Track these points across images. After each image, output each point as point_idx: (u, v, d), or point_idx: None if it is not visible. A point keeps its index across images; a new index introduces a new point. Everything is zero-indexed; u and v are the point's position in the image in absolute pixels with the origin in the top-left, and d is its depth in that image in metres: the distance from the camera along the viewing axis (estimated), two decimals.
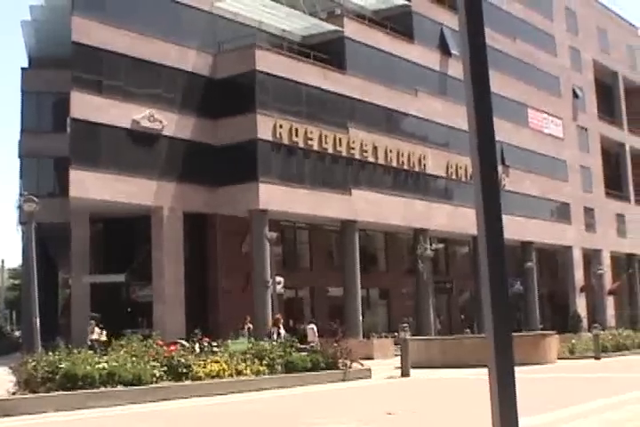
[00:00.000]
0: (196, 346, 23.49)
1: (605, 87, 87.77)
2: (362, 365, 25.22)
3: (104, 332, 35.10)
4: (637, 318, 78.52)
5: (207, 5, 49.17)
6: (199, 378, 20.20)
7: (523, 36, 72.11)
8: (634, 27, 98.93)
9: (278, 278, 43.71)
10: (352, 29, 54.53)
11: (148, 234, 45.33)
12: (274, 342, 27.77)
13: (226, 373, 20.94)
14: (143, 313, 45.79)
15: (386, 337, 48.31)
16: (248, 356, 22.36)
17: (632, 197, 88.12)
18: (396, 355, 32.27)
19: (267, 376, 21.86)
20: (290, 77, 49.26)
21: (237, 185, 46.48)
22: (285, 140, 48.20)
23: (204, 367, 20.55)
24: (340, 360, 23.99)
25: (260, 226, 46.15)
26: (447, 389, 21.06)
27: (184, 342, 25.91)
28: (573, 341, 37.56)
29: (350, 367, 24.11)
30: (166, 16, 46.87)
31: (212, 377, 20.52)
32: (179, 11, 47.51)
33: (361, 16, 57.48)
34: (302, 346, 25.82)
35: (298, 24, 53.53)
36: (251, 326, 40.83)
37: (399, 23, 58.94)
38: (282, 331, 29.47)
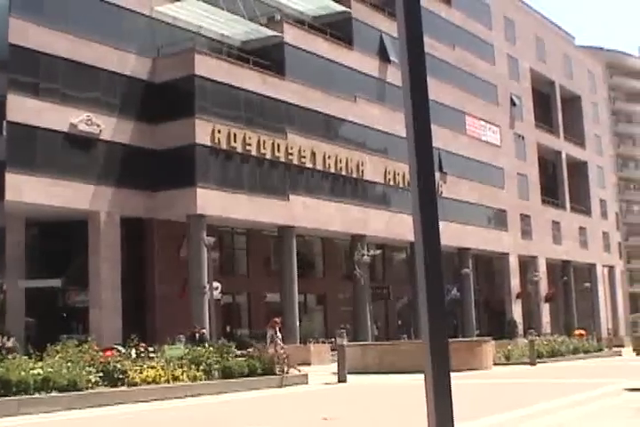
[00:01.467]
0: (133, 352, 23.32)
1: (542, 96, 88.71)
2: (299, 370, 25.26)
3: (11, 338, 34.53)
4: (572, 324, 79.40)
5: (147, 9, 48.90)
6: (135, 384, 20.07)
7: (462, 44, 72.64)
8: (570, 36, 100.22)
9: (215, 284, 43.55)
10: (292, 35, 54.56)
11: (85, 239, 44.88)
12: (279, 345, 28.04)
13: (162, 378, 20.83)
14: (79, 318, 45.34)
15: (323, 343, 48.40)
16: (185, 361, 22.27)
17: (567, 205, 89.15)
18: (333, 361, 32.32)
19: (203, 382, 21.78)
20: (229, 82, 49.15)
21: (175, 190, 46.25)
22: (224, 146, 48.06)
23: (140, 373, 20.42)
24: (277, 366, 23.98)
25: (197, 231, 45.96)
26: (383, 394, 21.12)
27: (120, 348, 25.73)
28: (509, 347, 37.91)
29: (287, 373, 24.11)
30: (106, 19, 46.49)
31: (149, 383, 20.40)
32: (118, 14, 47.16)
33: (301, 22, 57.53)
34: (240, 351, 25.76)
35: (237, 29, 53.42)
36: (204, 331, 40.68)
37: (339, 29, 59.10)
38: (279, 334, 29.26)
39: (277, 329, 29.35)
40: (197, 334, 39.76)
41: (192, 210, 45.94)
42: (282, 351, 28.18)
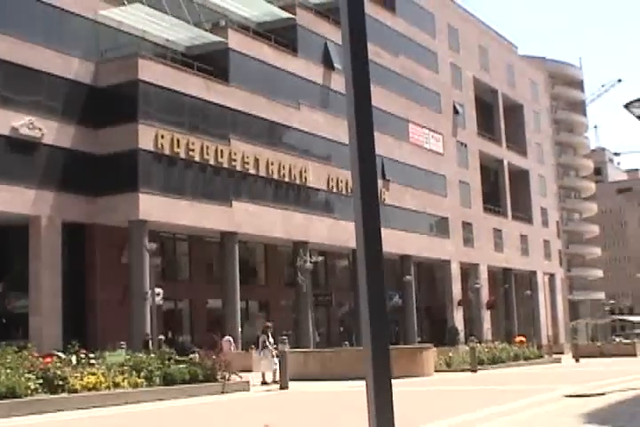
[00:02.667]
0: (73, 358, 23.10)
1: (485, 104, 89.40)
2: (240, 377, 25.17)
3: None
4: (513, 331, 79.98)
5: (91, 13, 48.55)
6: (76, 390, 19.89)
7: (406, 53, 72.99)
8: (513, 46, 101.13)
9: (157, 290, 43.34)
10: (236, 41, 54.49)
11: (26, 244, 44.43)
12: (263, 351, 27.88)
13: (103, 385, 20.67)
14: (19, 324, 44.82)
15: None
16: (126, 368, 22.11)
17: (509, 213, 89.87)
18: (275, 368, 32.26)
19: (145, 389, 21.65)
20: (173, 88, 48.96)
21: (118, 195, 45.96)
22: (167, 151, 47.86)
23: (80, 380, 20.25)
24: (219, 373, 23.89)
25: (139, 237, 45.72)
26: (325, 401, 21.13)
27: (60, 354, 25.48)
28: (450, 354, 38.08)
29: (229, 380, 24.03)
30: (49, 22, 46.12)
31: (89, 389, 20.23)
32: (62, 17, 46.79)
33: (245, 28, 57.48)
34: (182, 358, 25.62)
35: (182, 34, 53.27)
36: (162, 337, 40.52)
37: (283, 36, 59.14)
38: (271, 339, 29.11)
39: (269, 334, 29.21)
40: (150, 341, 39.63)
41: (134, 215, 45.68)
42: (275, 356, 28.24)
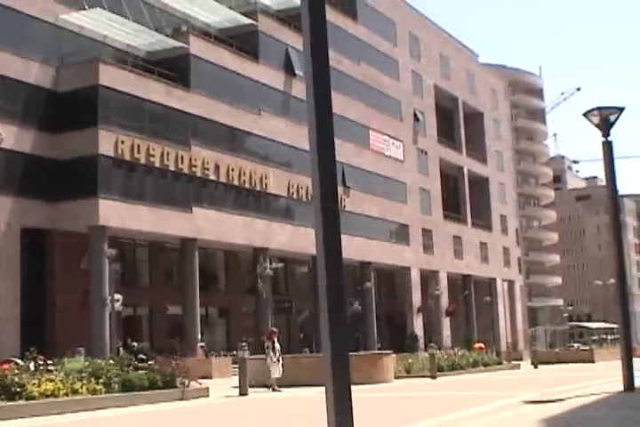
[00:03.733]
0: (31, 364, 22.91)
1: (446, 112, 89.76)
2: (200, 384, 25.05)
3: None
4: (472, 337, 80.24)
5: (52, 17, 48.30)
6: (33, 397, 19.72)
7: (367, 60, 73.17)
8: (474, 54, 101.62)
9: (117, 296, 43.15)
10: (197, 47, 54.41)
11: None
12: (270, 356, 27.55)
13: (61, 392, 20.50)
14: None
15: (225, 356, 48.19)
16: (84, 374, 21.96)
17: (469, 220, 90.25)
18: (235, 374, 32.18)
19: (103, 395, 21.50)
20: (133, 93, 48.81)
21: (77, 200, 45.71)
22: (127, 157, 47.68)
23: (38, 386, 20.07)
24: (178, 379, 23.78)
25: (99, 242, 45.51)
26: (284, 408, 21.09)
27: (18, 361, 25.26)
28: (410, 360, 38.16)
29: (188, 386, 23.92)
30: (8, 26, 45.80)
31: (47, 396, 20.06)
32: (22, 21, 46.49)
33: (207, 34, 57.43)
34: (141, 364, 25.48)
35: (143, 39, 53.11)
36: (146, 344, 40.44)
37: (245, 42, 59.12)
38: (277, 345, 28.82)
39: (275, 339, 29.02)
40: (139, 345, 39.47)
41: (94, 221, 45.46)
42: (280, 362, 28.07)
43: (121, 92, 48.07)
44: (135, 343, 43.65)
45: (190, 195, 51.91)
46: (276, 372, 27.95)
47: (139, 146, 48.33)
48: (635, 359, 20.31)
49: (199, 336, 51.06)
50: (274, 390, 27.31)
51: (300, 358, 37.53)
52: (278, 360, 28.12)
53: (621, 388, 19.30)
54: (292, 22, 62.23)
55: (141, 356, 29.92)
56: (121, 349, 40.33)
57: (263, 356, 28.68)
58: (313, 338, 62.59)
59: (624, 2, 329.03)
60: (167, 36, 54.32)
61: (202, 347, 43.58)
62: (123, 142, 47.38)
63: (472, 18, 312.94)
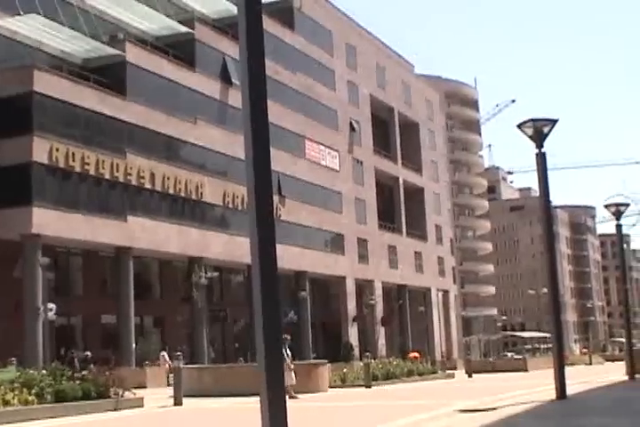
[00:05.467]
0: None
1: (381, 122, 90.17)
2: (134, 394, 24.86)
3: None
4: (407, 347, 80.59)
5: None
6: None
7: (303, 69, 73.25)
8: (410, 65, 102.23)
9: (50, 305, 42.70)
10: (134, 54, 54.13)
11: None
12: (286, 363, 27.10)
13: None
14: None
15: (159, 365, 47.89)
16: (16, 385, 21.67)
17: (404, 230, 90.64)
18: (170, 384, 32.02)
19: (35, 406, 21.24)
20: (69, 100, 48.40)
21: (10, 208, 45.13)
22: (62, 164, 47.26)
23: None
24: (112, 389, 23.58)
25: (32, 251, 45.01)
26: (219, 417, 21.02)
27: None
28: (345, 370, 38.20)
29: (122, 396, 23.72)
30: None
31: None
32: None
33: (144, 41, 57.17)
34: (75, 374, 25.22)
35: (79, 46, 52.69)
36: (89, 353, 39.96)
37: (182, 50, 58.94)
38: (288, 351, 28.38)
39: (286, 346, 28.69)
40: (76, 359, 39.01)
41: (27, 229, 44.97)
42: (291, 369, 27.66)
43: (56, 99, 47.64)
44: (75, 353, 43.30)
45: (125, 203, 51.59)
46: (290, 378, 27.39)
47: (74, 154, 47.92)
48: (567, 368, 20.52)
49: (134, 345, 50.71)
50: (291, 396, 26.69)
51: (236, 367, 37.45)
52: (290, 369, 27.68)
53: (554, 396, 19.50)
54: (229, 31, 62.15)
55: (81, 365, 29.52)
56: (74, 360, 39.91)
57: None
58: (248, 347, 62.40)
59: (559, 14, 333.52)
60: (103, 43, 53.97)
61: (163, 356, 42.75)
62: (57, 150, 46.95)
63: (408, 29, 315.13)
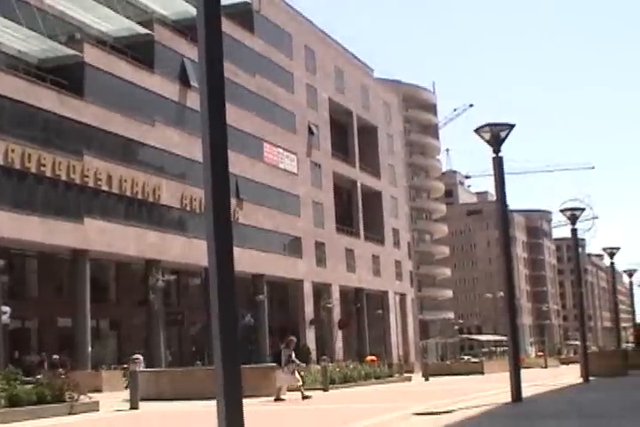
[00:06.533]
0: None
1: (340, 125, 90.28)
2: (90, 398, 24.68)
3: None
4: (365, 350, 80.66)
5: None
6: None
7: (262, 72, 73.18)
8: (369, 69, 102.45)
9: (4, 308, 42.31)
10: (92, 55, 53.82)
11: None
12: (287, 365, 27.28)
13: None
14: None
15: (115, 369, 47.58)
16: None
17: (362, 233, 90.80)
18: (126, 387, 31.82)
19: None
20: (25, 101, 48.03)
21: None
22: (17, 166, 46.88)
23: None
24: (67, 393, 23.38)
25: None
26: (175, 421, 20.93)
27: None
28: (302, 373, 38.15)
29: (77, 400, 23.53)
30: None
31: None
32: None
33: (102, 42, 56.87)
34: (29, 378, 24.98)
35: (36, 46, 52.30)
36: (57, 357, 39.67)
37: (141, 52, 58.68)
38: (293, 353, 28.24)
39: (292, 348, 28.57)
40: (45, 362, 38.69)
41: None
42: (298, 372, 27.94)
43: (12, 100, 47.27)
44: (56, 356, 43.12)
45: (82, 205, 51.28)
46: (296, 380, 27.61)
47: (29, 155, 47.56)
48: (522, 371, 20.63)
49: (89, 349, 50.39)
50: (304, 397, 26.79)
51: (192, 370, 37.32)
52: (295, 369, 27.83)
53: (509, 399, 19.60)
54: (188, 33, 61.98)
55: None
56: (43, 363, 39.63)
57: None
58: (205, 351, 62.21)
59: (516, 19, 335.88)
60: (61, 43, 53.61)
61: (136, 360, 42.30)
62: (13, 151, 46.57)
63: (368, 33, 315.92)
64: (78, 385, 23.98)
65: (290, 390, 27.63)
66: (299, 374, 28.31)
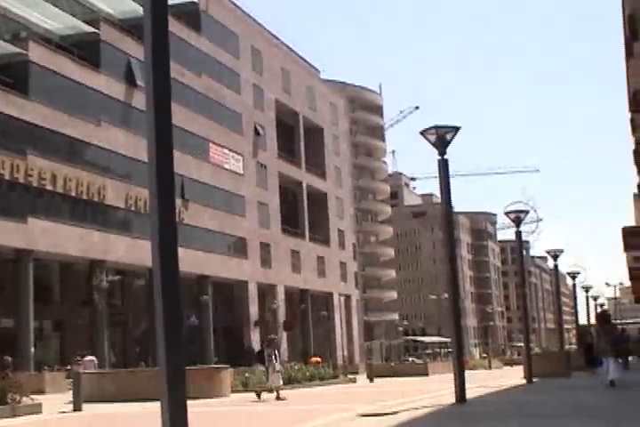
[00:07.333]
0: None
1: (286, 126, 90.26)
2: (32, 399, 24.44)
3: None
4: (309, 351, 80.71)
5: None
6: None
7: (209, 72, 73.00)
8: (316, 70, 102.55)
9: None
10: (37, 54, 53.36)
11: None
12: (273, 364, 27.12)
13: None
14: None
15: (59, 370, 47.17)
16: None
17: (307, 234, 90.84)
18: (70, 389, 31.57)
19: None
20: None
21: None
22: None
23: None
24: (9, 395, 23.13)
25: None
26: (119, 423, 20.80)
27: None
28: (247, 374, 38.11)
29: (19, 402, 23.30)
30: None
31: None
32: None
33: (48, 40, 56.39)
34: None
35: None
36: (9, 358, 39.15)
37: (87, 51, 58.29)
38: (277, 352, 28.00)
39: (274, 348, 28.33)
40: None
41: None
42: (278, 370, 27.77)
43: None
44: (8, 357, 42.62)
45: (26, 205, 50.84)
46: (279, 380, 27.61)
47: None
48: (467, 372, 20.75)
49: (32, 350, 49.93)
50: (279, 398, 26.74)
51: (137, 371, 37.11)
52: (278, 371, 27.76)
53: (454, 400, 19.70)
54: (134, 32, 61.62)
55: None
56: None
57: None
58: (150, 352, 61.87)
59: (462, 23, 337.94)
60: (6, 41, 53.08)
61: (91, 361, 41.87)
62: None
63: (315, 34, 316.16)
64: (21, 387, 23.74)
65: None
66: (279, 368, 28.28)
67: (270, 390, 27.46)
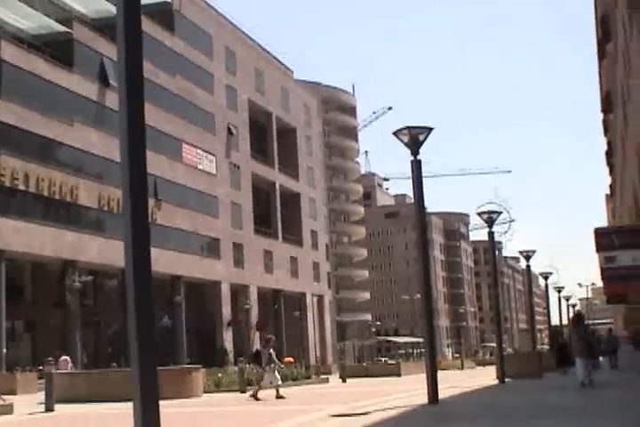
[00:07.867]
0: None
1: (259, 127, 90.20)
2: (3, 400, 24.34)
3: None
4: (282, 351, 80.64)
5: None
6: None
7: (182, 73, 72.87)
8: (289, 70, 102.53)
9: None
10: (9, 53, 53.09)
11: None
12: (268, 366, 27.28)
13: None
14: None
15: (30, 371, 46.98)
16: None
17: (280, 235, 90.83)
18: (42, 389, 31.44)
19: None
20: None
21: None
22: None
23: None
24: None
25: None
26: (91, 423, 20.74)
27: None
28: (220, 374, 38.12)
29: None
30: None
31: None
32: None
33: (20, 40, 56.12)
34: None
35: None
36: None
37: (60, 50, 58.05)
38: (272, 352, 28.00)
39: (270, 347, 28.31)
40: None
41: None
42: (278, 371, 28.15)
43: None
44: None
45: None
46: (277, 379, 27.77)
47: None
48: (439, 373, 20.81)
49: (4, 350, 49.70)
50: (279, 397, 26.88)
51: (109, 372, 37.01)
52: (275, 370, 27.94)
53: (426, 400, 19.76)
54: (107, 32, 61.40)
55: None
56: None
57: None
58: (123, 352, 61.69)
59: (434, 23, 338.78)
60: None
61: (65, 361, 41.72)
62: None
63: (288, 35, 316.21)
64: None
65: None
66: (278, 373, 28.30)
67: (260, 389, 27.55)
